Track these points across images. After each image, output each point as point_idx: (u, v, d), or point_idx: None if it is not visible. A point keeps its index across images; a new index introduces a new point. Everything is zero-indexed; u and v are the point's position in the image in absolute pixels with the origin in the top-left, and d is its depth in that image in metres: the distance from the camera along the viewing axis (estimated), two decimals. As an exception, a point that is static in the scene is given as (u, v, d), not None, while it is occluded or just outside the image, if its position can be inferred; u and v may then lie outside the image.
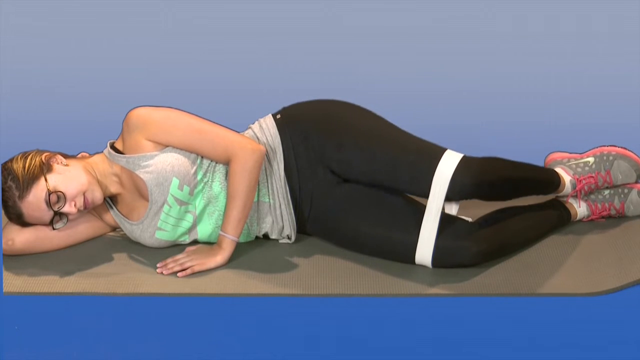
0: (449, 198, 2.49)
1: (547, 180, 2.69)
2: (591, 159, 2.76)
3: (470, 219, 2.59)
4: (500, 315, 2.33)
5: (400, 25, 3.97)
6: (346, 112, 2.64)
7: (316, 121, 2.62)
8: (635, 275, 2.46)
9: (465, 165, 2.49)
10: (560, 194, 2.74)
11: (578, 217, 2.76)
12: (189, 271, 2.49)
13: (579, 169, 2.74)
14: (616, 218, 2.78)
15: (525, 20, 3.98)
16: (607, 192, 2.77)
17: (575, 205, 2.74)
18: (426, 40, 3.89)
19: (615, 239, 2.67)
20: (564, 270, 2.52)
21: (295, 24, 3.94)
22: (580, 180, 2.72)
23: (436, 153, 2.51)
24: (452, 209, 2.54)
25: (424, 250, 2.49)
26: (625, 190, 2.77)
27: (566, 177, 2.72)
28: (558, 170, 2.74)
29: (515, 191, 2.64)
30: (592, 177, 2.72)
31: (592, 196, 2.76)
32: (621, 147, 2.77)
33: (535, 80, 3.72)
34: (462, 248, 2.49)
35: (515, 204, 2.71)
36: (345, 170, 2.58)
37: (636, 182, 2.78)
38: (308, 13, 3.98)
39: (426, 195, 2.49)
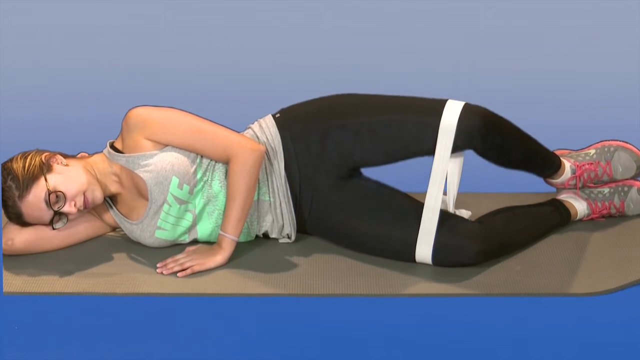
0: (456, 147, 2.48)
1: (548, 157, 2.68)
2: (592, 151, 2.77)
3: (470, 218, 2.59)
4: (501, 315, 2.33)
5: (401, 25, 3.97)
6: (339, 98, 2.65)
7: (314, 115, 2.62)
8: (635, 275, 2.46)
9: (469, 110, 2.50)
10: (560, 179, 2.72)
11: (578, 216, 2.76)
12: (189, 271, 2.49)
13: (580, 158, 2.74)
14: (616, 217, 2.78)
15: (525, 20, 3.98)
16: (607, 190, 2.77)
17: (575, 204, 2.74)
18: (426, 41, 3.89)
19: (616, 238, 2.67)
20: (564, 270, 2.52)
21: (295, 24, 3.94)
22: (580, 166, 2.71)
23: (438, 105, 2.52)
24: (450, 204, 2.53)
25: (425, 246, 2.48)
26: (625, 189, 2.77)
27: (567, 163, 2.72)
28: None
29: (516, 155, 2.61)
30: (592, 164, 2.72)
31: (592, 195, 2.76)
32: (623, 141, 2.78)
33: (536, 80, 3.72)
34: (461, 247, 2.49)
35: (515, 203, 2.71)
36: (352, 152, 2.56)
37: (636, 178, 2.78)
38: (308, 13, 3.98)
39: (433, 150, 2.49)
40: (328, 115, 2.61)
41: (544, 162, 2.69)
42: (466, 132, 2.48)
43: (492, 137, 2.52)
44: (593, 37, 3.89)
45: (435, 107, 2.52)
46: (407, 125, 2.53)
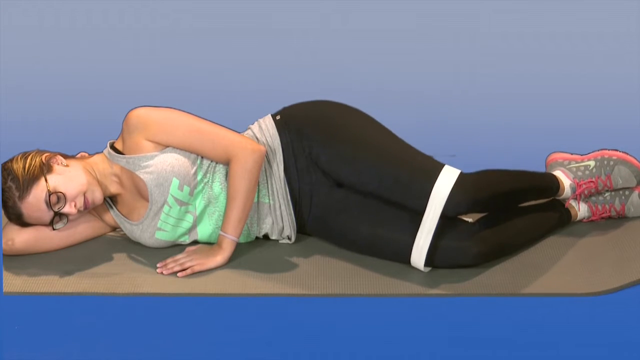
0: (444, 215, 2.48)
1: (546, 186, 2.69)
2: (592, 163, 2.75)
3: (470, 220, 2.59)
4: (500, 315, 2.33)
5: (401, 25, 3.97)
6: (346, 119, 2.63)
7: (315, 124, 2.61)
8: (635, 275, 2.46)
9: (461, 183, 2.48)
10: (560, 197, 2.73)
11: (578, 218, 2.75)
12: (189, 271, 2.49)
13: (580, 173, 2.73)
14: (616, 219, 2.78)
15: (526, 21, 3.98)
16: (607, 193, 2.77)
17: (576, 207, 2.74)
18: (427, 41, 3.89)
19: (616, 239, 2.67)
20: (564, 270, 2.52)
21: (295, 24, 3.94)
22: (580, 185, 2.71)
23: (434, 170, 2.50)
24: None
25: (417, 258, 2.49)
26: (626, 192, 2.77)
27: (566, 182, 2.72)
28: (558, 173, 2.73)
29: (514, 202, 2.64)
30: (592, 181, 2.72)
31: (593, 198, 2.76)
32: (622, 152, 2.77)
33: (536, 80, 3.72)
34: (462, 248, 2.49)
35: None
36: (346, 176, 2.57)
37: (636, 185, 2.78)
38: (308, 13, 3.98)
39: (421, 211, 2.49)
40: (329, 128, 2.59)
41: (541, 193, 2.70)
42: (456, 206, 2.47)
43: (480, 206, 2.54)
44: (593, 37, 3.89)
45: (431, 172, 2.49)
46: (400, 181, 2.51)
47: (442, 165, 2.51)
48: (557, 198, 2.74)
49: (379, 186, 2.53)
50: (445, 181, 2.47)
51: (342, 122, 2.61)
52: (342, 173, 2.56)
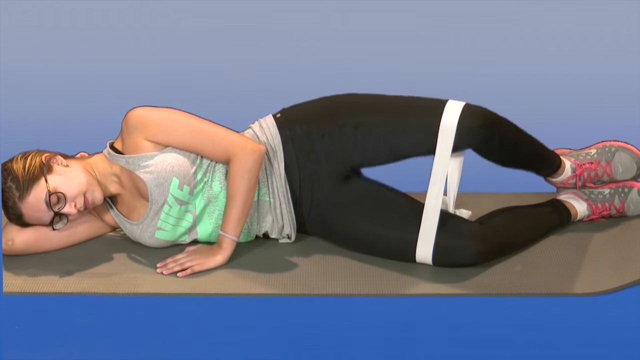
0: (456, 147, 2.49)
1: (548, 157, 2.68)
2: (593, 151, 2.77)
3: (470, 218, 2.59)
4: (501, 315, 2.33)
5: (401, 25, 3.97)
6: (339, 98, 2.65)
7: (315, 115, 2.62)
8: (635, 275, 2.46)
9: (469, 110, 2.50)
10: (560, 177, 2.72)
11: (578, 217, 2.76)
12: (189, 271, 2.49)
13: (581, 157, 2.74)
14: (616, 218, 2.78)
15: (526, 21, 3.98)
16: (607, 191, 2.77)
17: (575, 204, 2.74)
18: (427, 41, 3.89)
19: (616, 238, 2.67)
20: (564, 270, 2.52)
21: (295, 24, 3.94)
22: (580, 165, 2.72)
23: (438, 105, 2.52)
24: (450, 204, 2.54)
25: (425, 246, 2.49)
26: (626, 190, 2.77)
27: (567, 162, 2.72)
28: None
29: (516, 155, 2.62)
30: (593, 163, 2.72)
31: (593, 195, 2.76)
32: (623, 142, 2.78)
33: (536, 80, 3.72)
34: (462, 247, 2.49)
35: (515, 203, 2.71)
36: (353, 152, 2.56)
37: (636, 179, 2.78)
38: (308, 13, 3.98)
39: (433, 148, 2.50)
40: (328, 115, 2.61)
41: (543, 161, 2.69)
42: (466, 133, 2.49)
43: (491, 137, 2.53)
44: (593, 37, 3.89)
45: (436, 108, 2.52)
46: (407, 126, 2.53)
47: (446, 100, 2.53)
48: (557, 182, 2.74)
49: (388, 138, 2.53)
50: (452, 111, 2.50)
51: (338, 101, 2.63)
52: (355, 152, 2.56)
